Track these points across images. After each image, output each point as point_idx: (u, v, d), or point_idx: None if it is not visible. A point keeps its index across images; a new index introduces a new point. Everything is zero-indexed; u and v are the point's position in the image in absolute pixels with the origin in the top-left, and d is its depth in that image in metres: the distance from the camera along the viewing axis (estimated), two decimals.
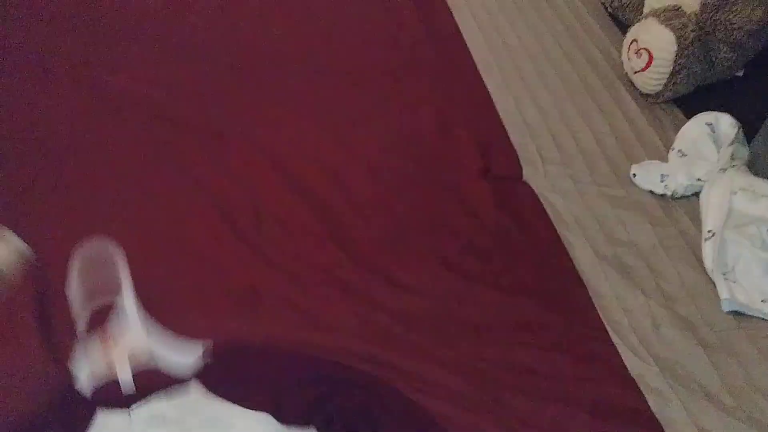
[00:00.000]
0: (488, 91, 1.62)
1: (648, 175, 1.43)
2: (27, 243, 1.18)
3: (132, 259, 1.17)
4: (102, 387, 1.00)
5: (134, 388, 1.00)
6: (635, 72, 1.64)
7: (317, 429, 0.95)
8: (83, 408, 0.97)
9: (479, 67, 1.70)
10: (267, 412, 0.96)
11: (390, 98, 1.57)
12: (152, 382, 1.00)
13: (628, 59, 1.66)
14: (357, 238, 1.27)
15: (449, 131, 1.49)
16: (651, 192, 1.42)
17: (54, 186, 1.28)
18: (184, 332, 1.08)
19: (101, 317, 1.09)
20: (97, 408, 0.96)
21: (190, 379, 1.00)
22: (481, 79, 1.66)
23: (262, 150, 1.40)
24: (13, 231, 1.17)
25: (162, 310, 1.12)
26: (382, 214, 1.32)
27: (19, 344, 1.05)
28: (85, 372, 1.02)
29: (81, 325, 1.08)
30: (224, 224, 1.26)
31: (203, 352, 1.04)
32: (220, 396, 0.98)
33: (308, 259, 1.23)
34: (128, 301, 1.11)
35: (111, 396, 0.98)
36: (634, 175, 1.44)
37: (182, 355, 1.05)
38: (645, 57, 1.60)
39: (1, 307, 1.09)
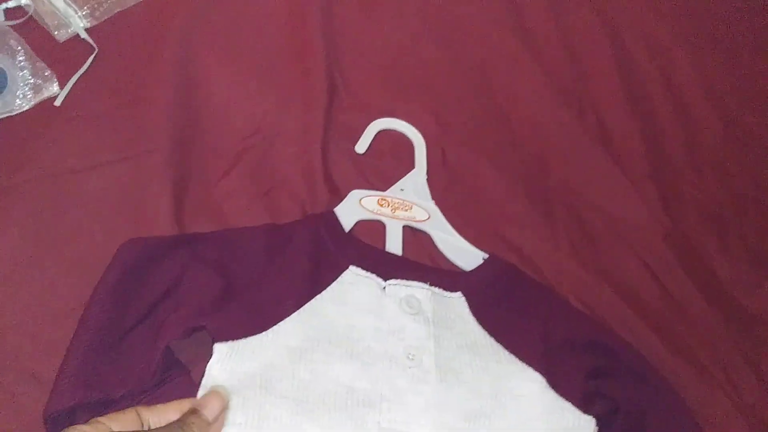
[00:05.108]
0: None
1: None
2: None
3: None
4: (364, 246, 0.87)
5: (398, 264, 0.86)
6: None
7: (596, 419, 0.77)
8: (338, 252, 0.84)
9: None
10: (539, 372, 0.78)
11: None
12: (419, 268, 0.86)
13: None
14: (686, 199, 1.04)
15: None
16: None
17: None
18: (467, 226, 0.93)
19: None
20: (351, 264, 0.83)
21: (457, 289, 0.84)
22: None
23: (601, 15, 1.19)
24: None
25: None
26: (726, 174, 1.07)
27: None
28: (352, 219, 0.89)
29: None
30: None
31: (482, 263, 0.88)
32: (485, 322, 0.82)
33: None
34: (420, 176, 0.96)
35: (369, 259, 0.84)
36: None
37: (460, 257, 0.90)
38: None
39: None
